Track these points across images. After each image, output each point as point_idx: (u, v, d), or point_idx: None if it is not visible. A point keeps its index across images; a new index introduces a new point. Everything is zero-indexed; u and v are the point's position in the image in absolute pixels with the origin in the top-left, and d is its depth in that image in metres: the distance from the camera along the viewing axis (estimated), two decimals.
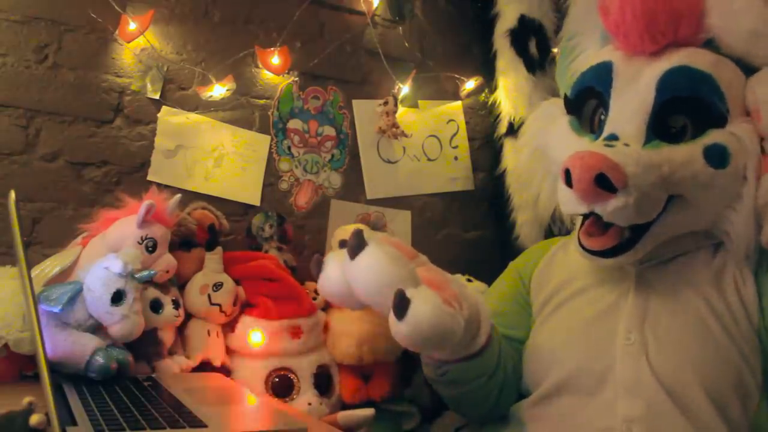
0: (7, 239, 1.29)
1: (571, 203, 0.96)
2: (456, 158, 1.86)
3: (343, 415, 1.29)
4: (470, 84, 1.85)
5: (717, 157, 0.91)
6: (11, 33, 1.37)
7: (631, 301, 0.98)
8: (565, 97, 1.09)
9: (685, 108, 0.94)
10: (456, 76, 1.86)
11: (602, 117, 1.02)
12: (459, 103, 1.88)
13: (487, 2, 1.80)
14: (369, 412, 1.30)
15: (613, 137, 0.96)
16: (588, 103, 1.04)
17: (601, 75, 1.02)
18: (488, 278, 1.40)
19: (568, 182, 0.91)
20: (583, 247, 0.98)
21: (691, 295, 0.94)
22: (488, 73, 1.84)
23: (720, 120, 0.93)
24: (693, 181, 0.91)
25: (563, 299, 1.07)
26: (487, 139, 1.88)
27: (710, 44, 0.98)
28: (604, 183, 0.88)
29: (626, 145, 0.93)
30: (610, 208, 0.89)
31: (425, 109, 1.82)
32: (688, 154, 0.91)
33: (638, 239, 0.95)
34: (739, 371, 0.88)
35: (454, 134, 1.87)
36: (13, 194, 0.83)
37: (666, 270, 0.99)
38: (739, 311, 0.91)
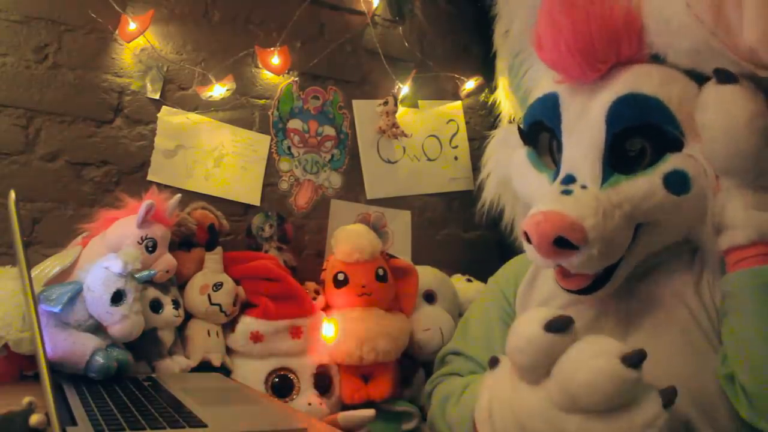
0: (7, 239, 1.29)
1: (537, 260, 0.95)
2: (456, 158, 1.86)
3: (344, 416, 1.29)
4: (470, 84, 1.86)
5: (678, 184, 0.88)
6: (11, 33, 1.37)
7: (613, 316, 0.97)
8: (519, 129, 1.06)
9: (640, 133, 0.91)
10: (456, 76, 1.86)
11: (559, 151, 0.99)
12: (459, 103, 1.88)
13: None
14: (369, 412, 1.30)
15: (570, 179, 0.93)
16: (542, 134, 1.02)
17: (549, 109, 0.98)
18: (488, 278, 1.40)
19: (530, 242, 0.90)
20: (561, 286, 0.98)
21: (672, 305, 0.93)
22: (488, 73, 1.83)
23: (676, 143, 0.89)
24: (658, 210, 0.89)
25: None
26: (487, 139, 1.88)
27: (657, 57, 0.93)
28: (564, 243, 0.86)
29: (584, 187, 0.91)
30: (575, 262, 0.88)
31: (425, 109, 1.82)
32: (648, 185, 0.89)
33: (613, 271, 0.93)
34: None
35: (454, 134, 1.87)
36: (13, 194, 0.83)
37: (646, 280, 0.98)
38: (714, 315, 0.90)
